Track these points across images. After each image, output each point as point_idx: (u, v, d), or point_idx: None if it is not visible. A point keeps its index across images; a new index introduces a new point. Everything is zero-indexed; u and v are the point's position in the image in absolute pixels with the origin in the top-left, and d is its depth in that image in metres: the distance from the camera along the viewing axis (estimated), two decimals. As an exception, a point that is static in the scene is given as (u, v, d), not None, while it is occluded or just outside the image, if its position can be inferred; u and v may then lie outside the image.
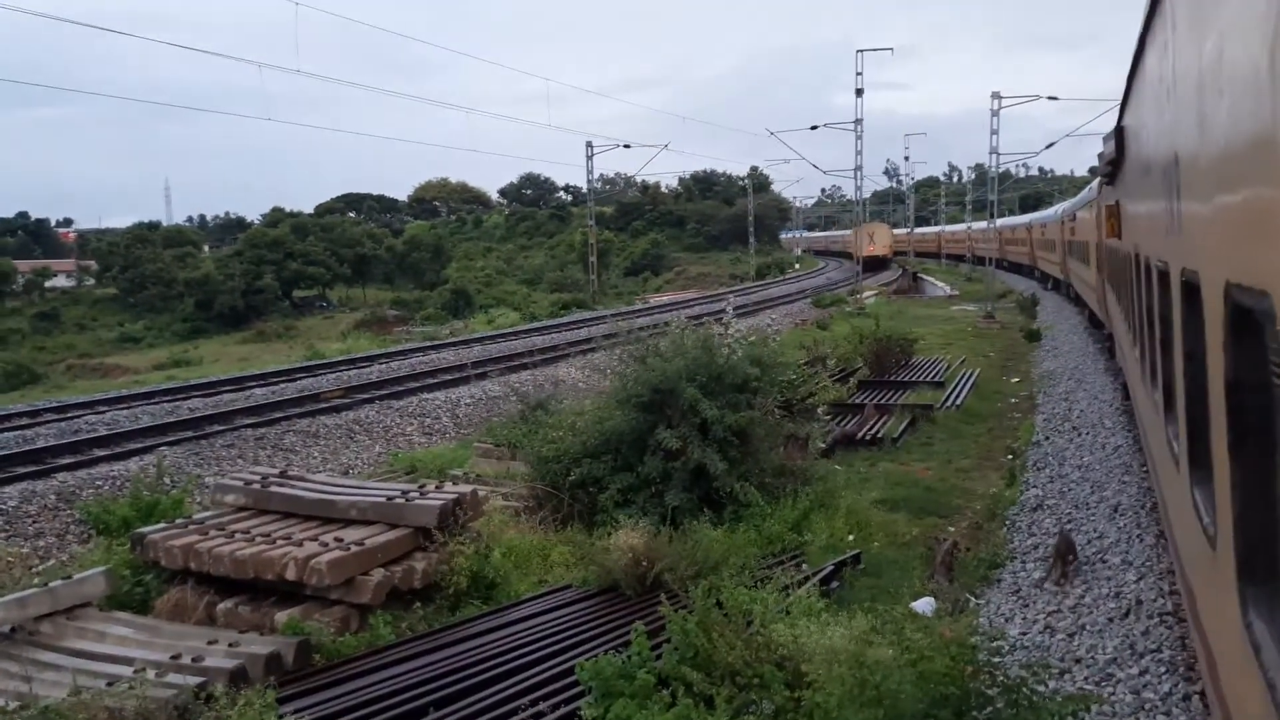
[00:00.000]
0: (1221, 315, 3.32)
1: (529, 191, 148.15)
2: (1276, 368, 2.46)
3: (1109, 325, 18.35)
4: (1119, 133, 9.52)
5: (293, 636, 7.82)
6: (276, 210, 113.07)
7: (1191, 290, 4.24)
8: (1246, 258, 2.90)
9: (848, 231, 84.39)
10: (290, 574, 8.37)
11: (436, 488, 9.84)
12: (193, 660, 7.36)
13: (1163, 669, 7.03)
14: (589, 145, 55.51)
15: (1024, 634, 8.04)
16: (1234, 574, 3.24)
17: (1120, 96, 9.41)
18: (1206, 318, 3.73)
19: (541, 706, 6.70)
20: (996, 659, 7.42)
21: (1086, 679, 7.11)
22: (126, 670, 7.12)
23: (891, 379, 21.12)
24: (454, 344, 32.98)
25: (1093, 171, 17.38)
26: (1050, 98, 40.02)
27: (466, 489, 9.84)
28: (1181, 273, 4.63)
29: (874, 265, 68.32)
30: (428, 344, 34.08)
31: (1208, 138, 3.73)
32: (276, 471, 10.95)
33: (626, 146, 55.29)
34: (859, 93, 43.99)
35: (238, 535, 9.12)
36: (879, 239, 77.34)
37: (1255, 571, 3.11)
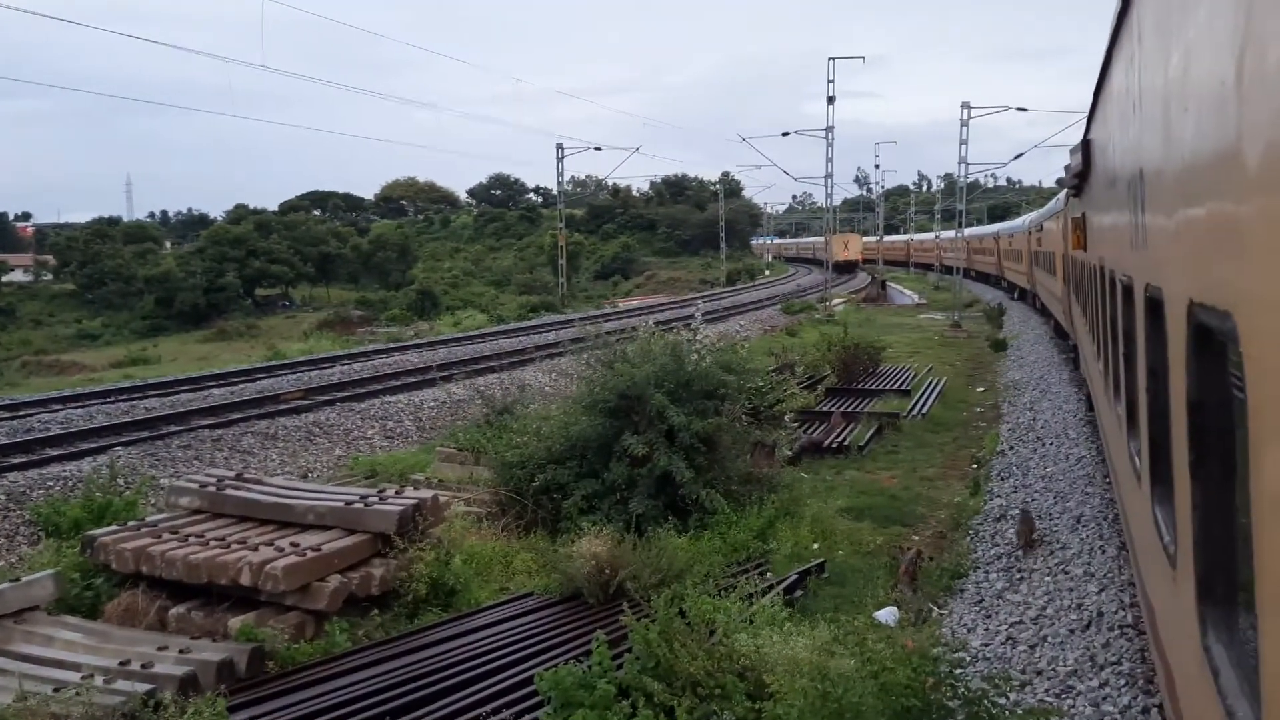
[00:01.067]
0: (1184, 333, 3.30)
1: (498, 192, 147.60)
2: (1239, 389, 2.44)
3: (1074, 336, 18.54)
4: (1085, 146, 9.58)
5: (246, 643, 7.70)
6: (240, 207, 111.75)
7: (1155, 306, 4.23)
8: (1210, 277, 2.87)
9: (819, 238, 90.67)
10: (245, 579, 8.24)
11: (397, 493, 9.72)
12: (142, 667, 7.22)
13: (1122, 682, 7.05)
14: (560, 147, 55.42)
15: (986, 645, 8.04)
16: (1194, 595, 3.22)
17: (1087, 109, 9.48)
18: (1169, 335, 3.71)
19: (500, 716, 6.60)
20: (958, 670, 7.42)
21: (1047, 691, 7.12)
22: (74, 676, 6.97)
23: (859, 387, 21.21)
24: (419, 346, 32.70)
25: (1060, 183, 17.56)
26: (1019, 109, 41.08)
27: (427, 494, 9.73)
28: (1145, 288, 4.63)
29: (844, 269, 76.56)
30: (392, 345, 33.77)
31: (1172, 153, 3.72)
32: (233, 474, 10.79)
33: (598, 149, 55.35)
34: (830, 100, 44.28)
35: (192, 539, 8.98)
36: (851, 246, 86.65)
37: (1215, 594, 3.08)
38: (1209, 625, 3.06)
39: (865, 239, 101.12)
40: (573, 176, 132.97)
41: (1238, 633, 2.86)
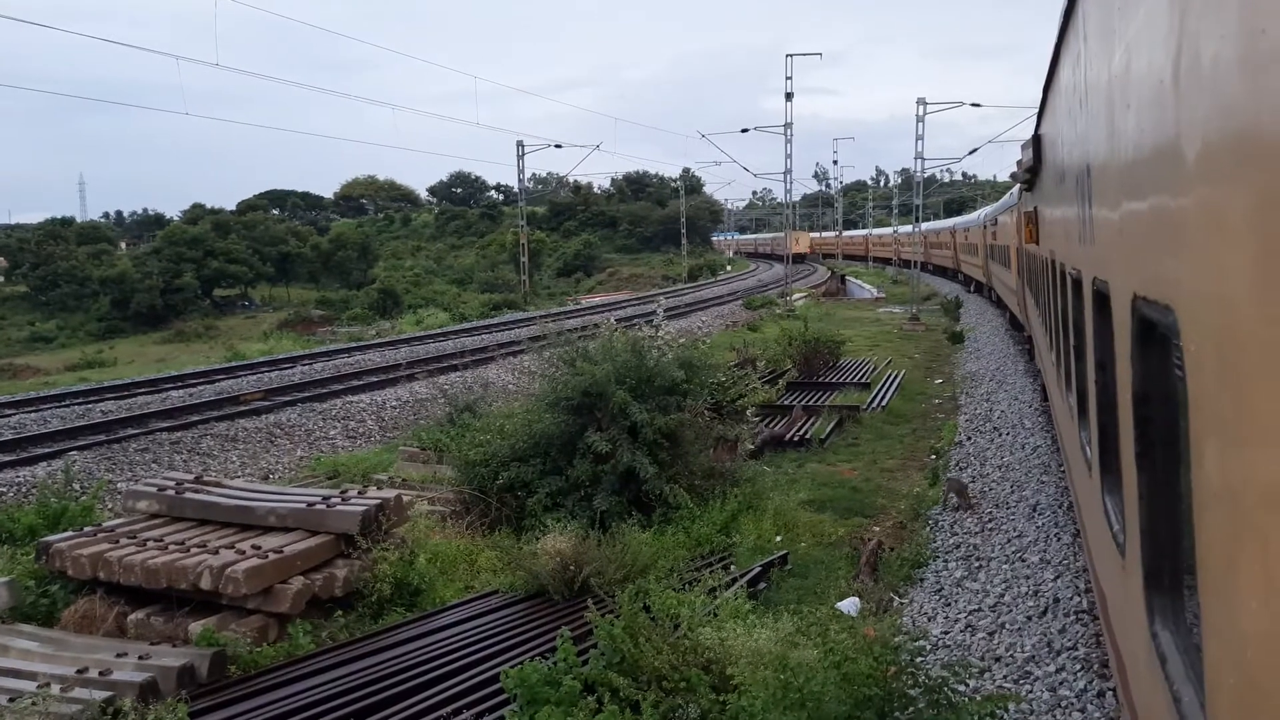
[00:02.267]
0: (1129, 327, 3.36)
1: (459, 190, 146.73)
2: (1182, 382, 2.49)
3: (1029, 328, 18.82)
4: (1036, 141, 9.74)
5: (207, 648, 7.63)
6: (197, 207, 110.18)
7: (1102, 300, 4.32)
8: (1152, 271, 2.93)
9: (777, 234, 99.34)
10: (205, 583, 8.16)
11: (359, 493, 9.67)
12: (100, 674, 7.12)
13: (1078, 666, 7.20)
14: (520, 145, 55.17)
15: (946, 633, 8.18)
16: (1141, 584, 3.28)
17: (1038, 105, 9.63)
18: (1115, 328, 3.78)
19: (466, 715, 6.61)
20: (919, 659, 7.54)
21: (1006, 677, 7.25)
22: (30, 685, 6.86)
23: (819, 380, 21.39)
24: (380, 345, 32.45)
25: (1013, 177, 17.80)
26: (973, 105, 41.11)
27: (390, 494, 9.68)
28: (1093, 282, 4.72)
29: (796, 260, 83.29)
30: (353, 345, 33.49)
31: (1116, 149, 3.79)
32: (192, 477, 10.66)
33: (558, 146, 55.19)
34: (789, 97, 44.44)
35: (150, 543, 8.86)
36: (802, 241, 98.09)
37: (1161, 583, 3.15)
38: (1156, 613, 3.13)
39: (825, 234, 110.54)
40: (534, 174, 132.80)
41: (1184, 621, 2.93)
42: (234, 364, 28.60)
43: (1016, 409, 17.22)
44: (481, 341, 31.01)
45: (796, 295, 48.16)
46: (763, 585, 9.26)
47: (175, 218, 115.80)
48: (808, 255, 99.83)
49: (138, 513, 9.75)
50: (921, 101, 40.29)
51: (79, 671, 7.16)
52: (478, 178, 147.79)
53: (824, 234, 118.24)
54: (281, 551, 8.44)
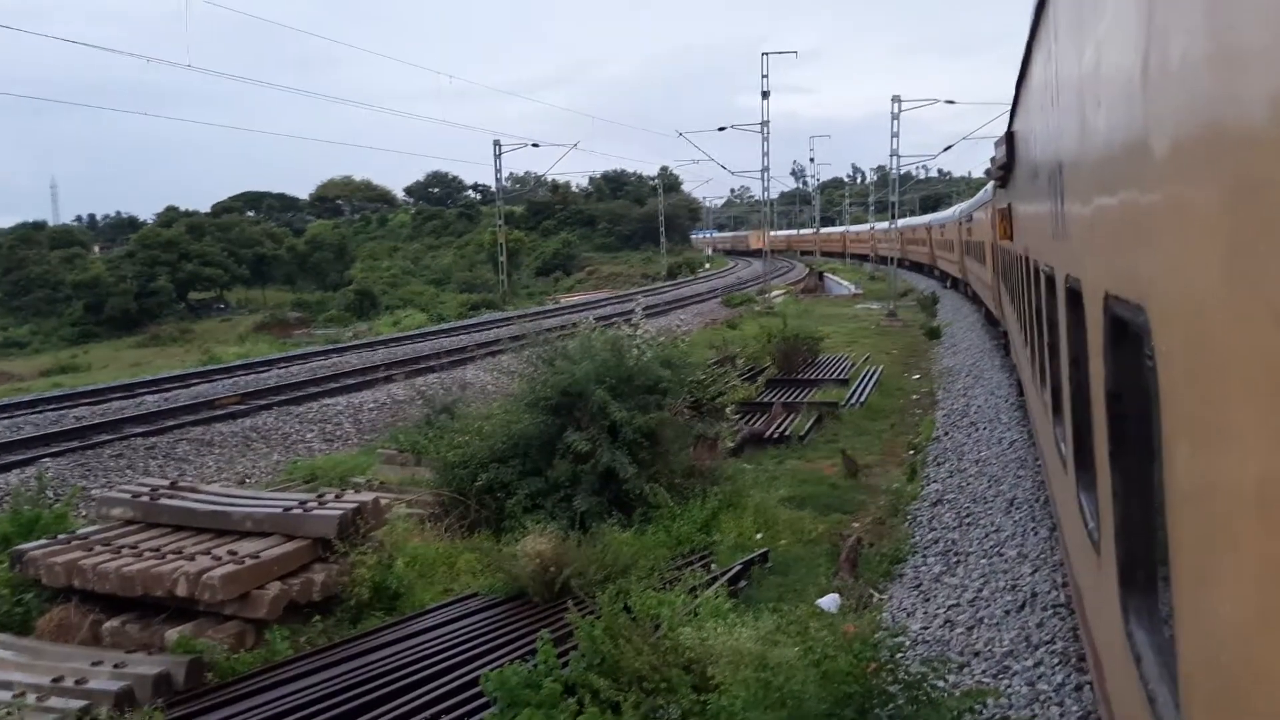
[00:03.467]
0: (1102, 325, 3.37)
1: (436, 190, 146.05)
2: (1153, 381, 2.50)
3: (1004, 323, 18.94)
4: (1009, 138, 9.79)
5: (183, 655, 7.57)
6: (171, 209, 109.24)
7: (1075, 297, 4.33)
8: (1124, 270, 2.93)
9: (738, 233, 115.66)
10: (181, 590, 8.09)
11: (336, 497, 9.60)
12: (76, 683, 7.07)
13: (1056, 660, 7.25)
14: (497, 144, 54.99)
15: (925, 628, 8.21)
16: (1115, 581, 3.29)
17: (1011, 103, 9.69)
18: (1088, 326, 3.80)
19: (446, 719, 6.58)
20: (898, 655, 7.57)
21: (984, 672, 7.29)
22: (5, 695, 6.81)
23: (799, 377, 21.44)
24: (358, 347, 32.28)
25: (987, 174, 17.91)
26: (948, 101, 41.30)
27: (368, 497, 9.62)
28: (1066, 279, 4.74)
29: (755, 255, 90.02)
30: (330, 347, 33.32)
31: (1087, 147, 3.80)
32: (167, 483, 10.59)
33: (535, 145, 55.03)
34: (765, 95, 44.58)
35: (125, 550, 8.79)
36: (763, 238, 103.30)
37: (1135, 580, 3.16)
38: (1130, 611, 3.13)
39: (803, 231, 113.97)
40: (511, 173, 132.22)
41: (1158, 618, 2.94)
42: (209, 368, 28.41)
43: (993, 404, 17.33)
44: (460, 342, 30.91)
45: (775, 292, 48.28)
46: (743, 583, 9.27)
47: (149, 220, 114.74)
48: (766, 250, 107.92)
49: (112, 520, 9.66)
50: (896, 99, 40.59)
51: (54, 680, 7.09)
52: (455, 177, 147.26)
53: (801, 231, 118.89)
54: (258, 557, 8.38)
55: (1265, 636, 1.63)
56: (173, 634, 7.91)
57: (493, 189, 63.66)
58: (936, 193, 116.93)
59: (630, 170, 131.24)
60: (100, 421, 18.37)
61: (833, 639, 7.33)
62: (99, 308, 78.60)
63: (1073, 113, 4.24)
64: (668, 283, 69.99)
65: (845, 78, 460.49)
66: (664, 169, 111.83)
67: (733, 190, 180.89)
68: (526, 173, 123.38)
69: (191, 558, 8.45)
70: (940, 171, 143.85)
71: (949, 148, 73.50)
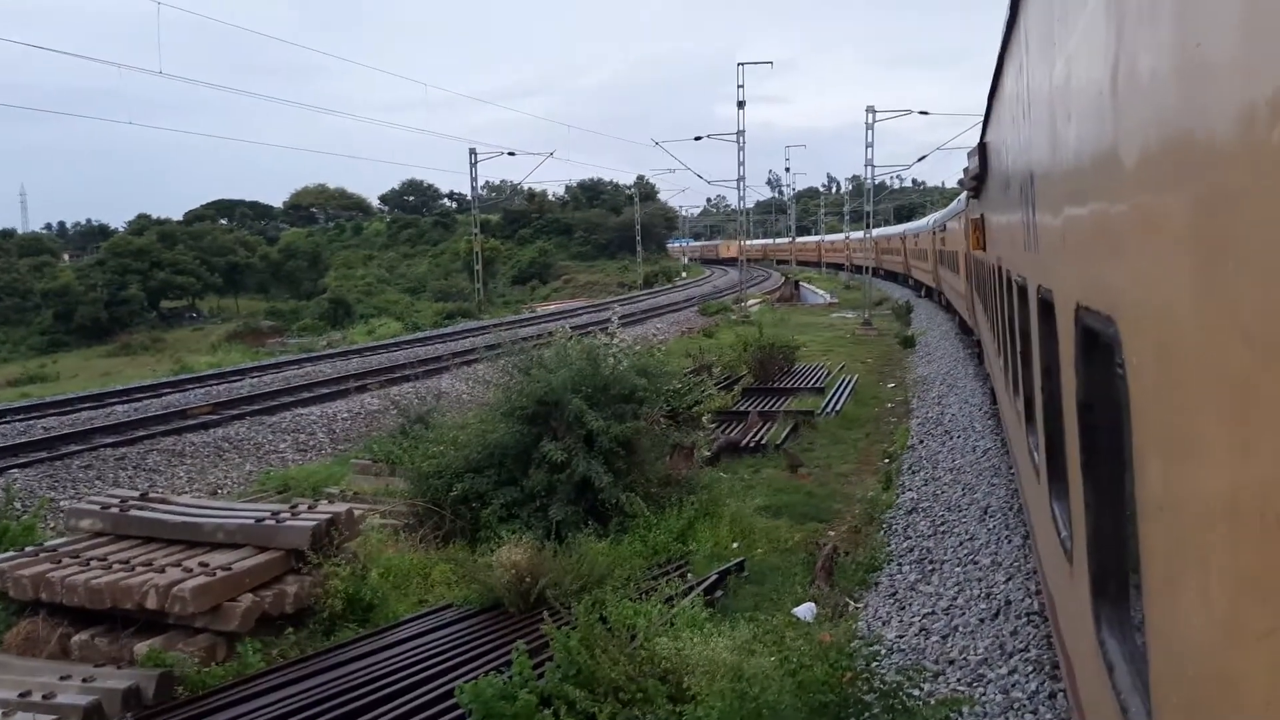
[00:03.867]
0: (1073, 336, 3.39)
1: (411, 198, 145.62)
2: (1124, 392, 2.51)
3: (977, 332, 19.08)
4: (982, 149, 9.88)
5: (154, 669, 7.47)
6: (142, 217, 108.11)
7: (1047, 307, 4.36)
8: (1094, 281, 2.95)
9: (709, 242, 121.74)
10: (151, 602, 7.99)
11: (310, 507, 9.51)
12: (44, 697, 6.96)
13: (1030, 668, 7.29)
14: (473, 152, 54.86)
15: (901, 637, 8.24)
16: (1088, 591, 3.31)
17: (983, 114, 9.78)
18: (1060, 336, 3.82)
19: (420, 732, 6.52)
20: (874, 664, 7.58)
21: (959, 680, 7.32)
22: (-31, 712, 6.65)
23: (775, 386, 21.50)
24: (332, 356, 32.07)
25: (960, 184, 18.06)
26: (921, 112, 41.66)
27: (341, 508, 9.54)
28: (1038, 290, 4.77)
29: (729, 262, 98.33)
30: (303, 356, 33.05)
31: (1058, 159, 3.84)
32: (137, 494, 10.46)
33: (511, 154, 55.02)
34: (741, 105, 44.73)
35: (94, 562, 8.66)
36: (733, 248, 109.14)
37: (1107, 590, 3.17)
38: (1103, 620, 3.15)
39: (779, 240, 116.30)
40: (487, 182, 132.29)
41: (1130, 628, 2.95)
42: (181, 377, 28.06)
43: (967, 412, 17.45)
44: (435, 351, 30.76)
45: (751, 301, 48.42)
46: (720, 593, 9.26)
47: (120, 229, 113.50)
48: (736, 258, 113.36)
49: (81, 531, 9.53)
50: (871, 110, 40.84)
51: (21, 695, 6.98)
52: (430, 186, 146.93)
53: (777, 240, 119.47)
54: (230, 569, 8.29)
55: (1235, 646, 1.63)
56: (142, 647, 7.79)
57: (468, 197, 63.45)
58: (911, 202, 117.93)
59: (606, 179, 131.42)
60: (69, 432, 18.11)
61: (809, 648, 7.34)
62: (68, 316, 77.65)
63: (1044, 125, 4.28)
64: (644, 291, 70.04)
65: (820, 88, 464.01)
66: (640, 178, 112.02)
67: (709, 199, 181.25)
68: (503, 181, 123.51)
69: (162, 570, 8.34)
70: (914, 181, 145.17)
71: (923, 158, 74.14)
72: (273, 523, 8.92)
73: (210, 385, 25.26)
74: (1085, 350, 3.30)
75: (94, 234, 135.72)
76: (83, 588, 8.18)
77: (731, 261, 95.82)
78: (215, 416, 19.91)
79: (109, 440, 17.52)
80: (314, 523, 8.79)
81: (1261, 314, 1.46)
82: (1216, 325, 1.69)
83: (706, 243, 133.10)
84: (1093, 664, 3.29)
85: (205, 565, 8.32)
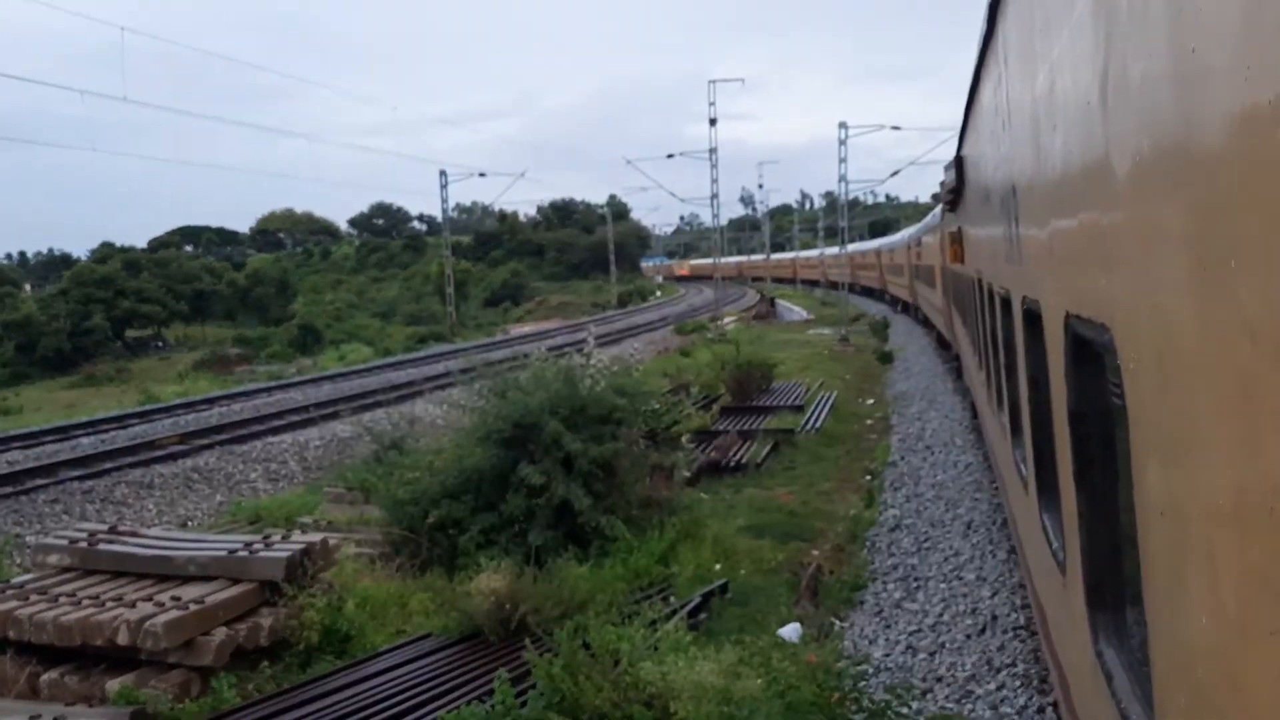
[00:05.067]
0: (1063, 345, 3.36)
1: (380, 221, 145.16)
2: (1118, 399, 2.48)
3: (956, 346, 19.18)
4: (959, 162, 9.93)
5: (126, 706, 7.33)
6: (106, 246, 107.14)
7: (1033, 318, 4.34)
8: (1085, 290, 2.93)
9: (668, 260, 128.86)
10: (122, 638, 7.81)
11: (283, 538, 9.35)
12: (10, 742, 6.72)
13: (1018, 683, 7.25)
14: (443, 174, 54.81)
15: (887, 655, 8.17)
16: (1084, 602, 3.27)
17: (959, 127, 9.83)
18: (1048, 346, 3.80)
19: (401, 767, 6.36)
20: (861, 683, 7.51)
21: (948, 697, 7.26)
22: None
23: (753, 405, 21.45)
24: (302, 383, 31.76)
25: (935, 198, 18.19)
26: (894, 128, 42.17)
27: (316, 538, 9.37)
28: (1023, 301, 4.75)
29: (685, 279, 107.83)
30: (273, 384, 32.71)
31: (1043, 170, 3.82)
32: (105, 527, 10.26)
33: (482, 175, 55.29)
34: (713, 122, 45.02)
35: (62, 599, 8.49)
36: (685, 267, 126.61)
37: (1104, 601, 3.14)
38: (1100, 631, 3.11)
39: (753, 257, 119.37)
40: (458, 204, 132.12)
41: (1128, 639, 2.91)
42: (148, 407, 27.63)
43: (947, 427, 17.49)
44: (408, 376, 30.54)
45: (727, 319, 48.53)
46: (703, 615, 9.16)
47: (83, 257, 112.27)
48: (689, 275, 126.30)
49: (49, 567, 9.33)
50: (843, 125, 41.14)
51: (-14, 740, 6.76)
52: (400, 208, 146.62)
53: (752, 257, 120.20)
54: (202, 602, 8.11)
55: (1242, 649, 1.60)
56: (114, 685, 7.62)
57: (439, 219, 63.33)
58: (885, 217, 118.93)
59: (578, 199, 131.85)
60: (34, 466, 17.77)
61: (795, 669, 7.26)
62: (31, 348, 76.52)
63: (1026, 136, 4.27)
64: (618, 311, 70.09)
65: (791, 105, 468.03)
66: (612, 197, 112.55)
67: (682, 217, 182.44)
68: (473, 203, 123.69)
69: (132, 604, 8.17)
70: (888, 196, 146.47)
71: (896, 173, 74.93)
72: (246, 554, 8.75)
73: (178, 415, 24.91)
74: (1076, 359, 3.27)
75: (56, 263, 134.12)
76: (51, 625, 8.01)
77: (683, 278, 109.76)
78: (184, 447, 19.61)
79: (75, 473, 17.20)
80: (288, 553, 8.63)
81: (1262, 314, 1.44)
82: (1216, 327, 1.66)
83: (668, 261, 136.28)
84: (1090, 674, 3.25)
85: (177, 599, 8.15)
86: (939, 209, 19.43)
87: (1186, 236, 1.85)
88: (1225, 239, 1.62)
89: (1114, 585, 3.09)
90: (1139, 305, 2.29)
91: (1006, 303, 5.86)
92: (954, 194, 10.62)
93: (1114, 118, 2.45)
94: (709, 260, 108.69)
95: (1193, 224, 1.81)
